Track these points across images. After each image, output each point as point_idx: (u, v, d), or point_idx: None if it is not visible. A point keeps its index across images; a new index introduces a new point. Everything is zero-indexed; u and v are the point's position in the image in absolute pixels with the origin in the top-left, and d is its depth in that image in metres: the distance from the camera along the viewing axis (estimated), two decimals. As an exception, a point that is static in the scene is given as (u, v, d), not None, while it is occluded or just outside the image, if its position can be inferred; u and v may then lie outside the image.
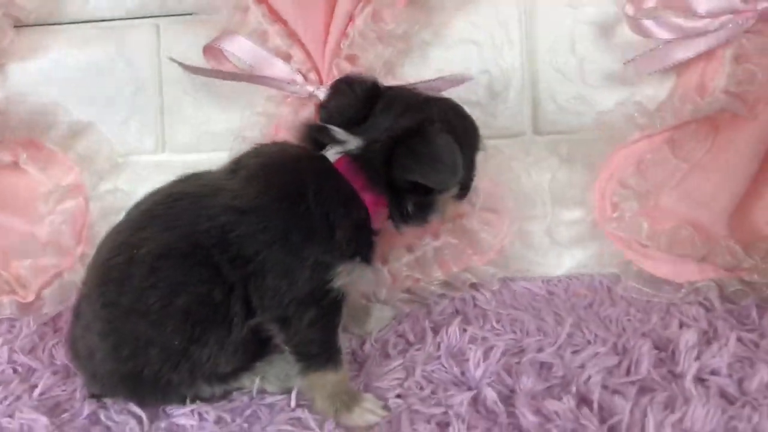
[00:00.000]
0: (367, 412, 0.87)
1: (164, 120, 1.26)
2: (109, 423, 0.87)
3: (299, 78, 1.12)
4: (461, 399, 0.87)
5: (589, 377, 0.88)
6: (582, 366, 0.92)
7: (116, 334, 0.85)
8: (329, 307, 0.87)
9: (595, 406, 0.83)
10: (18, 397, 0.92)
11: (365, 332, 1.07)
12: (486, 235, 1.17)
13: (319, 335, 0.88)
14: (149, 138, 1.25)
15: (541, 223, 1.21)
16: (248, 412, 0.89)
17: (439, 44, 1.21)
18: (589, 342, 0.98)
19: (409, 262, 1.17)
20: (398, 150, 0.87)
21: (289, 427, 0.86)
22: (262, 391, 0.93)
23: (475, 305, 1.12)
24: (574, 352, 0.96)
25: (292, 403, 0.89)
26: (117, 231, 0.92)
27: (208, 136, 1.24)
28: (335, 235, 0.86)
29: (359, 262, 0.89)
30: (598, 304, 1.10)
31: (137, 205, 0.93)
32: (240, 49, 1.11)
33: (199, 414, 0.88)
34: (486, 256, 1.18)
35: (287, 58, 1.13)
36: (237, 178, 0.89)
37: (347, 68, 1.14)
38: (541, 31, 1.20)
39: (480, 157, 1.02)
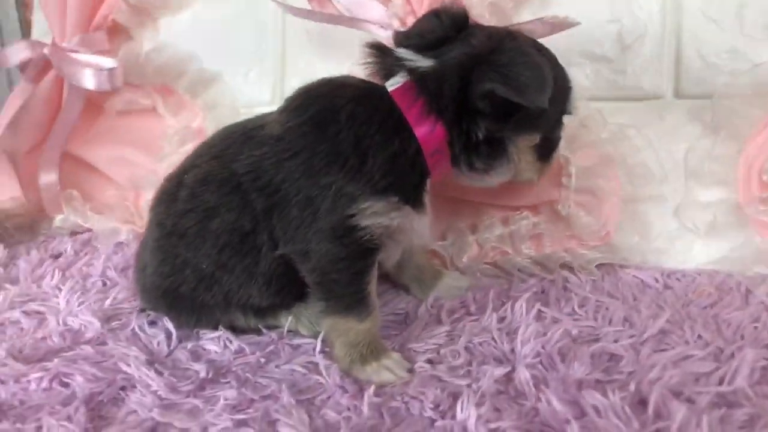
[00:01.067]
0: (384, 369, 0.78)
1: (283, 72, 1.28)
2: (142, 334, 0.89)
3: (395, 22, 1.06)
4: (491, 373, 0.74)
5: (659, 378, 0.70)
6: (662, 367, 0.72)
7: (161, 252, 0.88)
8: (354, 246, 0.78)
9: (650, 409, 0.65)
10: (90, 304, 0.98)
11: (431, 296, 0.97)
12: (585, 219, 0.99)
13: (343, 276, 0.80)
14: (267, 89, 1.28)
15: (668, 204, 0.99)
16: (270, 348, 0.86)
17: (563, -9, 1.06)
18: (685, 342, 0.78)
19: (501, 235, 1.04)
20: (476, 65, 0.77)
21: (302, 370, 0.81)
22: (294, 332, 0.89)
23: (564, 288, 0.96)
24: (659, 351, 0.77)
25: (317, 347, 0.83)
26: (187, 157, 0.94)
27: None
28: (366, 164, 0.77)
29: (398, 202, 0.79)
30: (723, 306, 0.88)
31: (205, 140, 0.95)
32: (341, -9, 1.08)
33: (224, 342, 0.87)
34: (588, 242, 1.01)
35: (386, 2, 1.08)
36: (281, 107, 0.86)
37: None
38: (692, -27, 1.00)
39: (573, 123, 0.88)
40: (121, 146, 1.31)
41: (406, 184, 0.80)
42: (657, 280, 0.96)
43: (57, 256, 1.21)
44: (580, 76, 1.04)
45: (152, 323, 0.93)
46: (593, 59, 1.03)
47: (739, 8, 0.96)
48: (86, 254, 1.20)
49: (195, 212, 0.84)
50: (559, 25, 0.94)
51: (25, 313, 0.97)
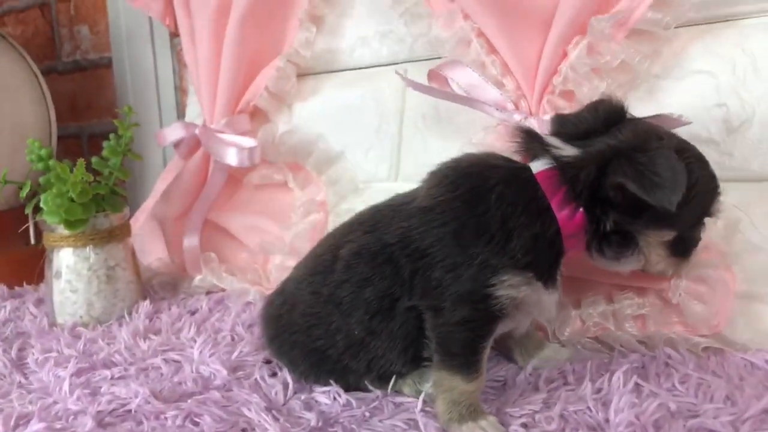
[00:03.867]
0: (479, 429, 0.82)
1: (400, 152, 1.39)
2: (263, 383, 0.99)
3: (510, 105, 1.14)
4: (583, 440, 0.76)
5: (758, 455, 0.69)
6: (761, 445, 0.72)
7: (314, 317, 0.97)
8: (485, 312, 0.85)
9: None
10: (219, 355, 1.10)
11: (530, 365, 1.00)
12: (696, 308, 0.99)
13: (464, 336, 0.86)
14: (384, 167, 1.40)
15: (777, 283, 0.97)
16: (375, 404, 0.92)
17: (668, 76, 1.10)
18: (791, 424, 0.77)
19: (604, 312, 1.06)
20: (615, 158, 0.83)
21: (403, 425, 0.86)
22: (398, 391, 0.96)
23: (666, 364, 0.96)
24: (761, 430, 0.76)
25: (418, 406, 0.89)
26: (332, 234, 1.06)
27: (431, 166, 1.32)
28: (511, 242, 0.84)
29: (532, 277, 0.85)
30: (837, 391, 0.84)
31: (355, 216, 1.06)
32: (460, 74, 1.18)
33: (334, 395, 0.95)
34: (696, 330, 1.00)
35: (500, 86, 1.17)
36: (429, 181, 0.95)
37: (561, 103, 1.13)
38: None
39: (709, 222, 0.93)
40: (254, 215, 1.47)
41: (543, 262, 0.86)
42: (767, 363, 0.94)
43: (194, 312, 1.35)
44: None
45: (272, 375, 1.03)
46: (700, 142, 1.04)
47: None
48: (219, 311, 1.34)
49: (350, 283, 0.93)
50: (673, 122, 0.97)
51: (165, 360, 1.10)
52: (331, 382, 0.96)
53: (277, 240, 1.41)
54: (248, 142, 1.40)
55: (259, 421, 0.87)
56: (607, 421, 0.81)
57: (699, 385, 0.88)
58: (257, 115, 1.53)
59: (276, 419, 0.88)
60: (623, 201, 0.84)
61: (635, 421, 0.79)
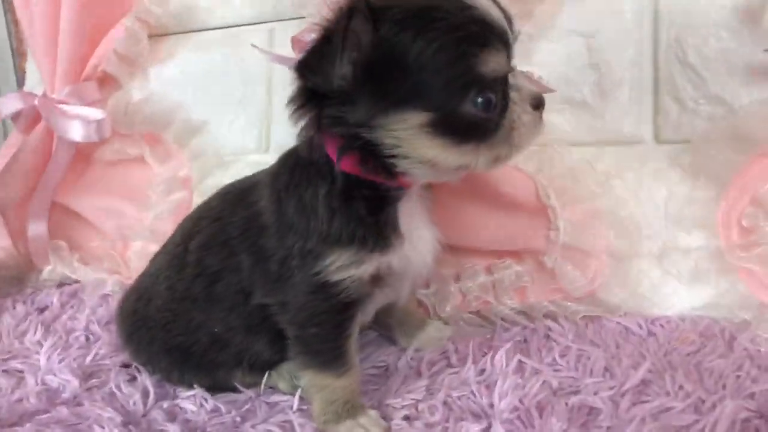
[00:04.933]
0: (359, 428, 0.77)
1: (269, 121, 1.28)
2: (119, 393, 0.88)
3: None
4: (467, 430, 0.73)
5: (637, 433, 0.68)
6: (641, 420, 0.71)
7: (172, 313, 0.88)
8: (331, 302, 0.77)
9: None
10: (70, 361, 0.98)
11: (411, 347, 0.96)
12: (572, 274, 0.98)
13: (320, 331, 0.79)
14: (252, 137, 1.29)
15: (649, 248, 0.98)
16: (247, 406, 0.85)
17: (541, 36, 1.06)
18: (667, 394, 0.77)
19: (484, 283, 1.03)
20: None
21: (277, 430, 0.79)
22: (273, 387, 0.89)
23: (547, 336, 0.95)
24: (639, 403, 0.76)
25: (294, 405, 0.83)
26: (185, 222, 0.96)
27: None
28: (311, 219, 0.76)
29: (360, 250, 0.75)
30: (706, 353, 0.86)
31: (204, 201, 0.96)
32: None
33: (200, 400, 0.86)
34: (573, 295, 0.99)
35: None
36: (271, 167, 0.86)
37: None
38: (667, 17, 1.00)
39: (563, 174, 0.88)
40: (108, 196, 1.32)
41: (360, 226, 0.75)
42: (641, 327, 0.95)
43: (42, 310, 1.20)
44: (560, 121, 1.04)
45: (131, 380, 0.92)
46: (573, 105, 1.04)
47: (717, 54, 0.96)
48: (71, 307, 1.20)
49: (202, 276, 0.85)
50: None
51: (6, 372, 0.97)
52: (195, 385, 0.88)
53: (136, 223, 1.28)
54: (95, 113, 1.24)
55: (113, 442, 0.77)
56: (491, 405, 0.78)
57: (579, 357, 0.87)
58: (107, 81, 1.36)
59: (134, 438, 0.78)
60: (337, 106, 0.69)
61: (519, 405, 0.77)
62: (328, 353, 0.79)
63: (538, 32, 1.06)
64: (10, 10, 1.71)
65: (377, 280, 0.79)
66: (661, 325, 0.95)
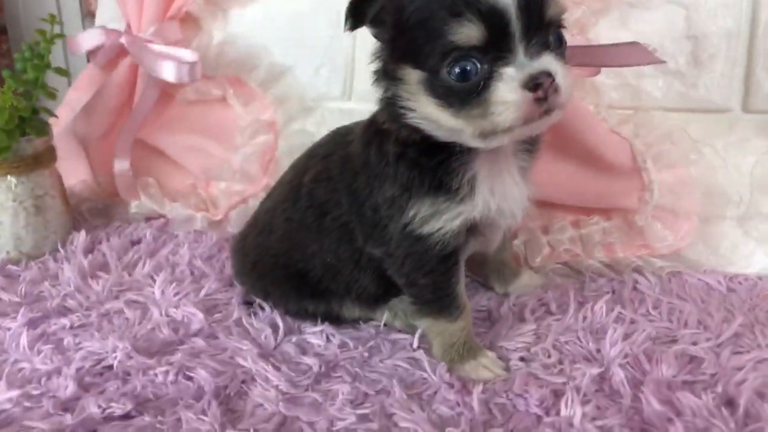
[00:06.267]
0: (482, 367, 0.84)
1: (353, 70, 1.31)
2: (250, 328, 0.95)
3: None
4: (586, 372, 0.81)
5: (744, 381, 0.77)
6: (740, 368, 0.80)
7: (292, 242, 0.95)
8: (431, 254, 0.82)
9: (741, 410, 0.72)
10: (186, 294, 1.04)
11: (507, 293, 1.04)
12: (661, 233, 1.05)
13: (428, 281, 0.84)
14: (337, 85, 1.32)
15: (734, 212, 1.05)
16: (371, 343, 0.92)
17: (640, 5, 1.10)
18: (759, 346, 0.85)
19: (573, 237, 1.10)
20: None
21: (405, 365, 0.87)
22: (390, 326, 0.96)
23: (635, 288, 1.02)
24: (736, 353, 0.84)
25: (414, 344, 0.90)
26: (299, 159, 1.02)
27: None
28: (395, 166, 0.81)
29: (442, 200, 0.79)
30: (787, 311, 0.94)
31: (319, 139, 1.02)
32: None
33: (327, 336, 0.93)
34: (658, 252, 1.06)
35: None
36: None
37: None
38: (767, -6, 1.04)
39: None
40: (192, 135, 1.35)
41: (435, 177, 0.79)
42: (720, 283, 1.03)
43: (136, 242, 1.26)
44: (652, 87, 1.09)
45: (253, 314, 0.99)
46: (668, 74, 1.08)
47: (812, 30, 1.01)
48: (164, 242, 1.25)
49: (313, 208, 0.92)
50: (647, 55, 0.94)
51: (127, 303, 1.02)
52: (311, 314, 0.96)
53: (223, 163, 1.32)
54: (188, 55, 1.26)
55: (258, 371, 0.85)
56: (598, 351, 0.86)
57: (671, 310, 0.95)
58: (187, 22, 1.37)
59: (277, 368, 0.85)
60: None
61: (629, 351, 0.84)
62: (441, 300, 0.86)
63: (638, 0, 1.10)
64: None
65: (467, 231, 0.83)
66: (740, 282, 1.03)
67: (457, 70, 0.70)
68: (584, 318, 0.93)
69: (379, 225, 0.85)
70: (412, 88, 0.75)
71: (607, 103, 1.11)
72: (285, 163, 1.27)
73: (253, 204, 1.27)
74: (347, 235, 0.89)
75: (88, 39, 1.36)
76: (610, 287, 1.03)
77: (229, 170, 1.31)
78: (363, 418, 0.76)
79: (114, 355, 0.87)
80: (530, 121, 0.70)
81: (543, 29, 0.70)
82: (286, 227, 0.95)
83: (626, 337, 0.87)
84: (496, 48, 0.69)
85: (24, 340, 0.91)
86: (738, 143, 1.06)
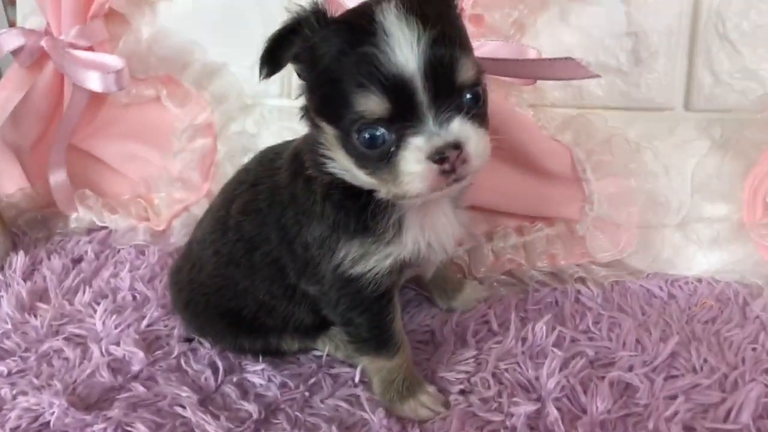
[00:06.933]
0: (421, 406, 0.85)
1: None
2: (189, 370, 0.94)
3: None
4: (522, 410, 0.82)
5: (675, 414, 0.79)
6: (672, 397, 0.81)
7: (222, 278, 0.92)
8: (363, 295, 0.80)
9: (669, 451, 0.74)
10: (128, 325, 1.02)
11: (451, 308, 1.04)
12: (602, 243, 1.04)
13: (363, 321, 0.83)
14: (276, 82, 1.26)
15: (674, 219, 1.04)
16: (313, 380, 0.92)
17: (581, 0, 1.05)
18: (693, 369, 0.87)
19: (516, 245, 1.09)
20: None
21: (345, 405, 0.87)
22: (331, 356, 0.96)
23: (577, 300, 1.03)
24: (669, 378, 0.86)
25: (356, 378, 0.90)
26: (229, 183, 0.98)
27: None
28: (322, 204, 0.79)
29: (366, 242, 0.78)
30: (724, 322, 0.96)
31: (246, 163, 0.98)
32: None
33: (268, 376, 0.93)
34: (600, 261, 1.06)
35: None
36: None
37: (472, 30, 1.04)
38: (710, -12, 1.00)
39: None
40: (128, 140, 1.30)
41: (361, 217, 0.77)
42: (662, 289, 1.04)
43: (78, 260, 1.23)
44: (594, 86, 1.06)
45: (193, 351, 0.98)
46: (609, 71, 1.04)
47: (754, 29, 0.97)
48: (106, 259, 1.22)
49: (242, 242, 0.89)
50: (581, 70, 0.89)
51: (67, 340, 1.00)
52: (250, 353, 0.95)
53: (161, 171, 1.27)
54: (113, 61, 1.19)
55: (198, 422, 0.84)
56: (537, 379, 0.87)
57: (611, 327, 0.95)
58: (112, 19, 1.29)
59: (216, 417, 0.85)
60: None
61: (566, 383, 0.85)
62: (378, 338, 0.85)
63: (576, -4, 1.05)
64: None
65: (397, 270, 0.81)
66: (680, 287, 1.04)
67: (365, 136, 0.68)
68: (524, 340, 0.94)
69: (311, 263, 0.83)
70: (330, 141, 0.73)
71: (551, 102, 1.08)
72: (226, 167, 1.24)
73: (196, 213, 1.25)
74: (279, 272, 0.88)
75: (8, 40, 1.27)
76: (552, 297, 1.04)
77: (169, 178, 1.26)
78: (301, 472, 0.77)
79: (51, 411, 0.86)
80: (438, 189, 0.68)
81: (454, 94, 0.67)
82: (215, 261, 0.93)
83: (564, 364, 0.88)
84: (403, 118, 0.66)
85: (-41, 394, 0.90)
86: (680, 144, 1.04)
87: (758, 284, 1.00)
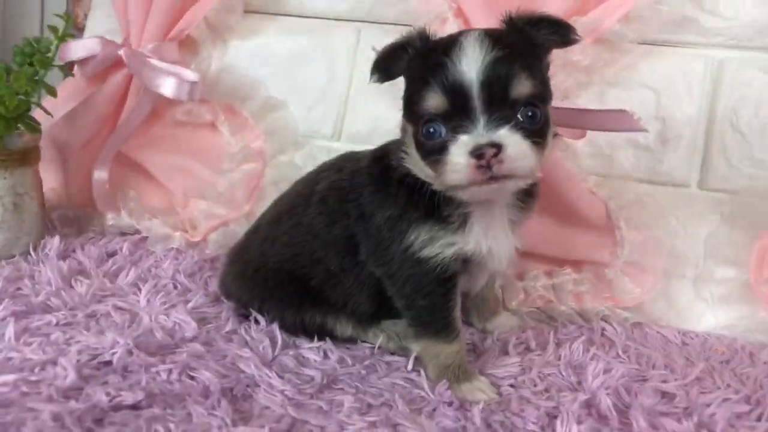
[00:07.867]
0: (477, 389, 0.89)
1: (345, 112, 1.38)
2: (248, 338, 0.95)
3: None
4: (574, 398, 0.86)
5: (714, 414, 0.85)
6: (708, 404, 0.88)
7: (298, 247, 0.99)
8: (430, 277, 0.88)
9: (719, 432, 0.80)
10: (173, 305, 1.03)
11: (485, 330, 1.10)
12: (628, 286, 1.16)
13: (427, 303, 0.90)
14: (329, 125, 1.38)
15: (692, 272, 1.17)
16: (368, 362, 0.95)
17: (617, 85, 1.24)
18: (719, 388, 0.94)
19: (545, 285, 1.18)
20: None
21: (403, 383, 0.90)
22: (384, 348, 0.99)
23: (602, 335, 1.11)
24: (702, 392, 0.92)
25: (409, 366, 0.93)
26: (309, 173, 1.08)
27: (380, 129, 1.32)
28: (397, 189, 0.89)
29: (434, 229, 0.87)
30: (737, 363, 1.05)
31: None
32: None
33: (324, 352, 0.95)
34: (623, 303, 1.16)
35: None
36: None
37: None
38: (725, 89, 1.20)
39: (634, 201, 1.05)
40: (178, 155, 1.36)
41: (433, 207, 0.86)
42: (676, 337, 1.13)
43: (112, 254, 1.23)
44: (623, 158, 1.22)
45: (247, 327, 0.99)
46: (638, 148, 1.21)
47: (763, 124, 1.17)
48: (142, 256, 1.23)
49: (324, 215, 0.97)
50: (633, 122, 1.04)
51: (114, 307, 1.00)
52: (305, 328, 0.99)
53: (208, 184, 1.33)
54: (190, 74, 1.28)
55: (262, 377, 0.85)
56: (580, 383, 0.92)
57: (639, 355, 1.03)
58: (186, 44, 1.40)
59: (280, 376, 0.86)
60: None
61: (610, 384, 0.91)
62: (438, 323, 0.91)
63: (615, 80, 1.24)
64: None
65: (460, 261, 0.89)
66: (692, 338, 1.13)
67: (427, 129, 0.81)
68: (563, 356, 1.00)
69: (382, 244, 0.91)
70: (409, 139, 0.87)
71: (584, 169, 1.22)
72: (271, 191, 1.31)
73: (233, 229, 1.29)
74: (353, 247, 0.95)
75: (82, 47, 1.36)
76: (580, 332, 1.11)
77: (214, 192, 1.32)
78: (372, 425, 0.78)
79: (113, 351, 0.85)
80: (475, 184, 0.79)
81: (507, 106, 0.79)
82: (293, 233, 0.99)
83: (606, 371, 0.94)
84: (458, 117, 0.79)
85: (10, 331, 0.88)
86: (695, 215, 1.19)
87: (762, 341, 1.11)
